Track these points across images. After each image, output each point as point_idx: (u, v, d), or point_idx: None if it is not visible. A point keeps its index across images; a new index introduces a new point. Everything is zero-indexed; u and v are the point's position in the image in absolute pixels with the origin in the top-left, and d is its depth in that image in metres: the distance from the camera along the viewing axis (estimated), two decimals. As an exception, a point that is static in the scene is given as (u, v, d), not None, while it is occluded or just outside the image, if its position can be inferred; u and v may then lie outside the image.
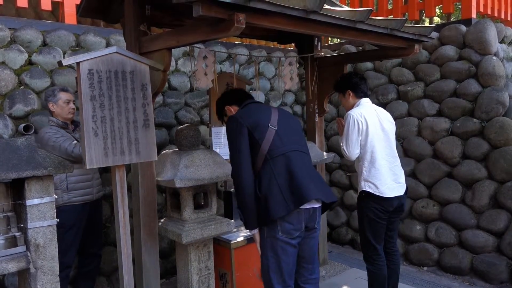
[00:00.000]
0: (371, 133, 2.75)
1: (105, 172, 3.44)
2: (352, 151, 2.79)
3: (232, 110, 2.50)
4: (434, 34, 4.38)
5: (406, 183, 2.90)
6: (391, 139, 2.87)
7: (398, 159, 2.91)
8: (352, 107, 2.93)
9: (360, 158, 2.83)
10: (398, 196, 2.79)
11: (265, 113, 2.30)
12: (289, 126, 2.33)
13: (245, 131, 2.18)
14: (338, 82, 3.06)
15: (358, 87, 2.92)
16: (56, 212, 2.76)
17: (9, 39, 3.44)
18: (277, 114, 2.31)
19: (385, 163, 2.78)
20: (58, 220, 1.94)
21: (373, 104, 2.95)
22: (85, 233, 3.06)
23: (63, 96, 2.96)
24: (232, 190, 2.57)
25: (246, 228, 2.28)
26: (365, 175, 2.78)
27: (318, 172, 2.44)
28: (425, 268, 4.07)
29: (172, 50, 2.41)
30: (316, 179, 2.26)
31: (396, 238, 3.02)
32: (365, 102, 2.91)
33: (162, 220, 2.95)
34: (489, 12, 4.85)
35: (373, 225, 2.80)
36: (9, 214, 1.92)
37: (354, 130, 2.76)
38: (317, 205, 2.25)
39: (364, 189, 2.78)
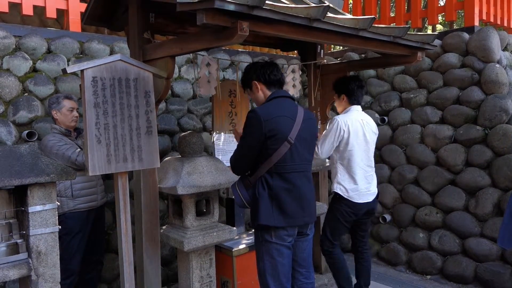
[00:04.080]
0: (351, 143, 2.89)
1: (108, 179, 3.44)
2: (324, 152, 2.95)
3: (259, 88, 2.35)
4: (437, 42, 4.39)
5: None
6: (370, 149, 3.02)
7: (374, 168, 3.07)
8: (342, 110, 3.10)
9: (336, 161, 2.99)
10: (367, 203, 2.96)
11: (290, 119, 2.22)
12: (306, 140, 2.30)
13: (262, 138, 2.16)
14: (337, 83, 3.17)
15: (353, 94, 3.04)
16: (62, 219, 2.78)
17: (14, 46, 3.47)
18: (300, 123, 2.24)
19: (360, 172, 2.93)
20: (62, 227, 1.94)
21: (363, 112, 3.09)
22: (88, 239, 3.05)
23: (67, 103, 2.97)
24: (233, 197, 2.58)
25: None
26: (339, 178, 2.96)
27: (314, 191, 2.49)
28: (428, 277, 4.03)
29: (176, 57, 2.42)
30: (308, 203, 2.31)
31: (367, 238, 3.26)
32: (355, 109, 3.04)
33: (164, 227, 2.94)
34: (492, 20, 4.86)
35: (335, 224, 2.99)
36: (11, 221, 1.92)
37: (334, 135, 2.90)
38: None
39: (336, 191, 2.95)
